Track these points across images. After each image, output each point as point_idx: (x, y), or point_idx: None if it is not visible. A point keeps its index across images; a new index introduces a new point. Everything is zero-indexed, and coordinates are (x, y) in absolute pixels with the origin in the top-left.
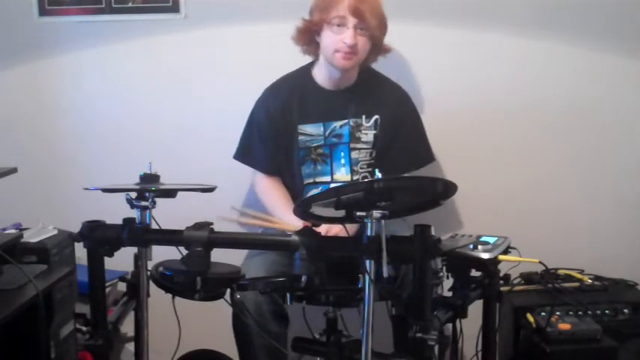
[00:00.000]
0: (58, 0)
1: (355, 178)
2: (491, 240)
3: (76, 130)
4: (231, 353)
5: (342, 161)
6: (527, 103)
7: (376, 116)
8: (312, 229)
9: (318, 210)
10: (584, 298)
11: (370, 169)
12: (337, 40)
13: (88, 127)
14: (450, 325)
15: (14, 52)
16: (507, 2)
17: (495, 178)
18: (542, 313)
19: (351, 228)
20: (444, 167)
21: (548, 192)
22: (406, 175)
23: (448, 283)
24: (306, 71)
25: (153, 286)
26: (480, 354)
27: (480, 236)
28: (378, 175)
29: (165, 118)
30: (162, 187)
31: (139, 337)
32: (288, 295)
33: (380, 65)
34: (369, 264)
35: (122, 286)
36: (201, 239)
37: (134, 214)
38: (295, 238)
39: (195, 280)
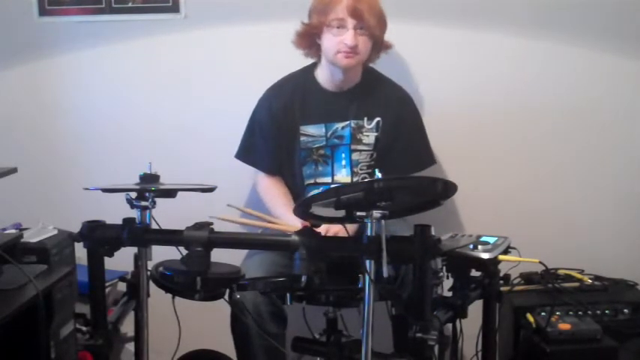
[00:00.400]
0: (58, 0)
1: (355, 179)
2: (491, 240)
3: (76, 130)
4: (231, 353)
5: (343, 162)
6: (527, 103)
7: (378, 118)
8: (312, 229)
9: (318, 210)
10: (584, 298)
11: (370, 171)
12: (338, 41)
13: (88, 127)
14: (450, 325)
15: (14, 52)
16: (507, 2)
17: (495, 178)
18: (542, 313)
19: (351, 228)
20: (444, 167)
21: (548, 192)
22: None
23: (448, 283)
24: (308, 72)
25: (153, 286)
26: (479, 354)
27: (480, 236)
28: (378, 175)
29: (165, 118)
30: (162, 187)
31: (139, 337)
32: (288, 295)
33: (380, 65)
34: (369, 264)
35: (122, 286)
36: (201, 239)
37: (134, 214)
38: (295, 238)
39: (195, 280)
